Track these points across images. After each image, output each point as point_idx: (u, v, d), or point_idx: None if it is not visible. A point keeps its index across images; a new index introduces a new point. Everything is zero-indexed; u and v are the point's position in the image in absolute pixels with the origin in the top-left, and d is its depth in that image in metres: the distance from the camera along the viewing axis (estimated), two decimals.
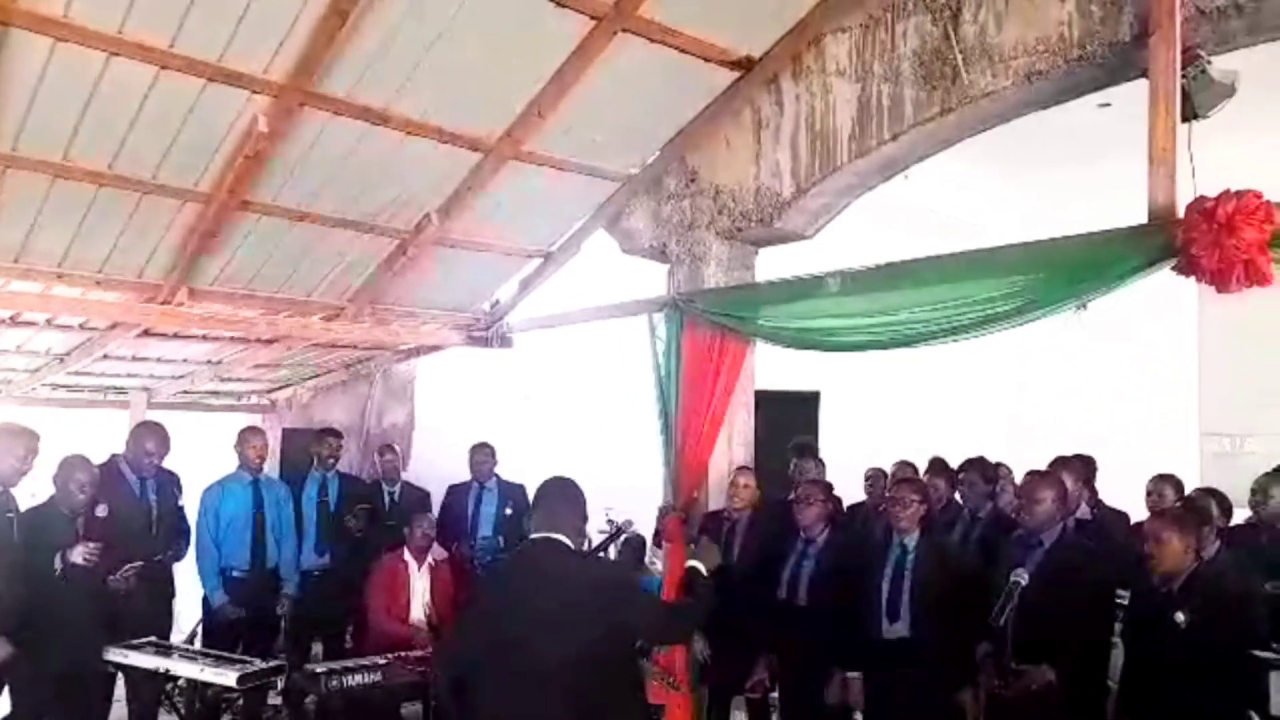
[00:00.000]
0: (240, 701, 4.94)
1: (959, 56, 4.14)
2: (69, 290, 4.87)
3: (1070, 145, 6.42)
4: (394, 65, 4.15)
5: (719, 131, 5.18)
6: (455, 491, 6.20)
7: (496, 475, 6.09)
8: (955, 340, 4.10)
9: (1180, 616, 3.41)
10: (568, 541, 2.88)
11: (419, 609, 5.08)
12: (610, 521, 6.69)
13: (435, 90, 4.36)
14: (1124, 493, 5.30)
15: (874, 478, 5.98)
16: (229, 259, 5.05)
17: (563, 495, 3.00)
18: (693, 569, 3.17)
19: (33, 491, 4.49)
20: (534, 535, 2.93)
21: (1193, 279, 3.43)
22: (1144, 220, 3.52)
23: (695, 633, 3.12)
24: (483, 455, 6.11)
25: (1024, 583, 3.61)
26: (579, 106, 4.68)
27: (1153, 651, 3.52)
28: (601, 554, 5.17)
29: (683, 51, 4.53)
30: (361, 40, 3.95)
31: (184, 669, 4.23)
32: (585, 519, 3.01)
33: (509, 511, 5.96)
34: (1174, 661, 3.39)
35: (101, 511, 4.30)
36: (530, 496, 5.83)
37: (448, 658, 3.10)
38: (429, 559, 5.17)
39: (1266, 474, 4.82)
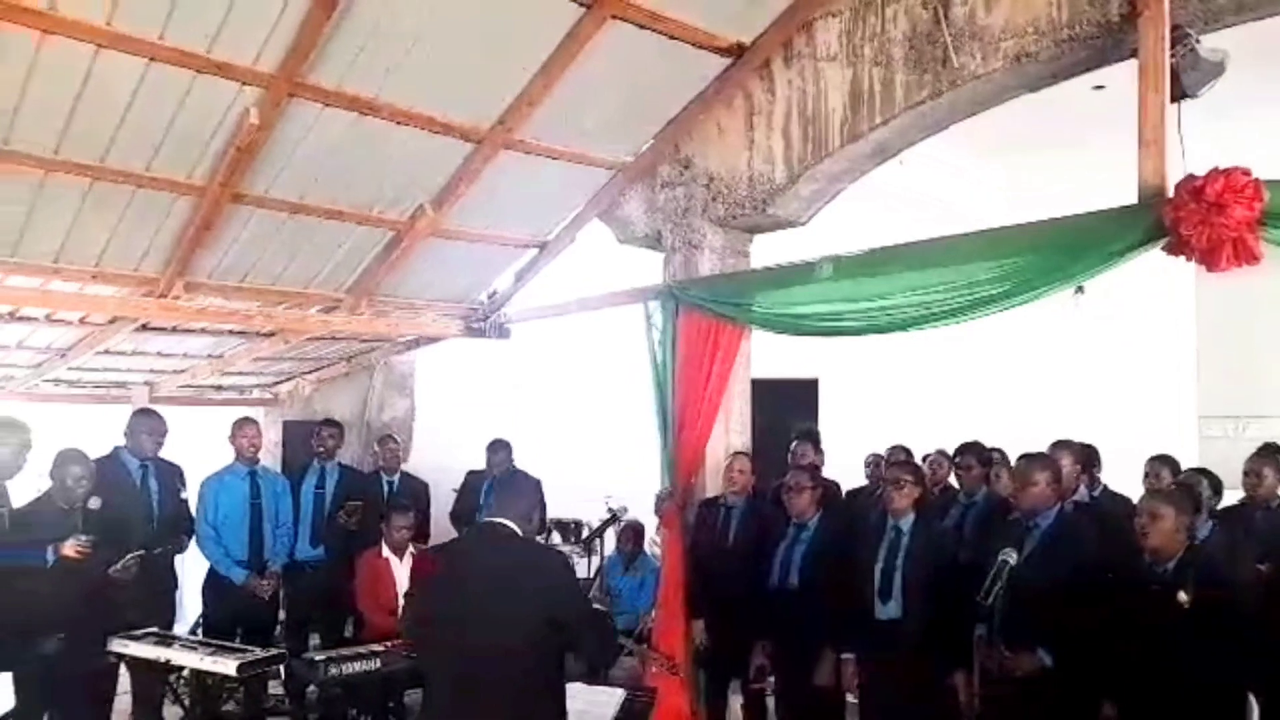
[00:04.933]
0: (242, 691, 4.96)
1: (949, 39, 4.13)
2: (65, 285, 4.91)
3: (1066, 128, 6.39)
4: (382, 55, 4.16)
5: (711, 119, 5.17)
6: (473, 475, 6.28)
7: (512, 466, 6.11)
8: (949, 323, 4.07)
9: (1183, 596, 3.37)
10: (514, 527, 2.98)
11: None
12: (609, 509, 6.74)
13: (424, 80, 4.37)
14: (1124, 478, 5.28)
15: (874, 463, 5.98)
16: (225, 252, 5.08)
17: (514, 486, 3.22)
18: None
19: (38, 487, 4.51)
20: (484, 519, 3.08)
21: (1184, 259, 3.41)
22: (1135, 201, 3.52)
23: (609, 657, 3.26)
24: (498, 455, 6.14)
25: (1012, 562, 3.61)
26: (571, 94, 4.68)
27: (1154, 632, 3.45)
28: (599, 538, 5.21)
29: (673, 38, 4.53)
30: (348, 30, 3.96)
31: (184, 659, 4.22)
32: (535, 508, 3.13)
33: None
34: (1179, 640, 3.34)
35: (94, 504, 4.28)
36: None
37: (410, 621, 3.23)
38: (410, 549, 5.18)
39: (1256, 454, 4.80)
